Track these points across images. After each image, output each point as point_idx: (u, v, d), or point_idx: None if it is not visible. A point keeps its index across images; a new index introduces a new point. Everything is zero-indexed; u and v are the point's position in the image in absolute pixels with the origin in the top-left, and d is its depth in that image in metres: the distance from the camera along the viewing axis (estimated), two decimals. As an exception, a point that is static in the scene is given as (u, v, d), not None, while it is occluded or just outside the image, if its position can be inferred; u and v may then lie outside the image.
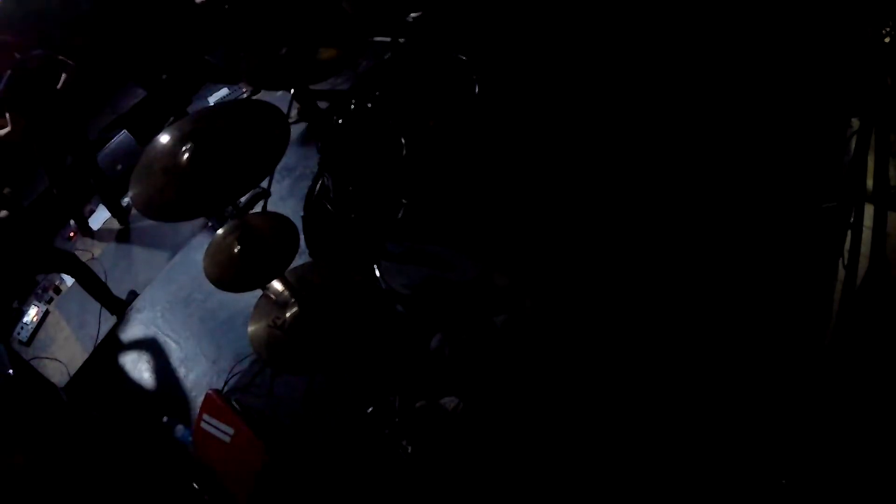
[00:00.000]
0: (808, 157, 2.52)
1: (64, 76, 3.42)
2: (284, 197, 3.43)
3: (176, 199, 1.68)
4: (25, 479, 2.28)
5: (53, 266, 3.58)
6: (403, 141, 2.29)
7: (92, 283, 3.40)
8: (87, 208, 4.46)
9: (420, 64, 2.58)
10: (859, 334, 2.02)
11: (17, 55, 3.30)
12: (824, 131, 2.58)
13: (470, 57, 2.47)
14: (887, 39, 2.06)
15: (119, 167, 4.39)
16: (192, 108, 4.72)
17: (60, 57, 3.44)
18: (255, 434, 2.27)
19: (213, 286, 1.97)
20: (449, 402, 2.15)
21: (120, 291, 3.62)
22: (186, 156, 1.69)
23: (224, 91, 4.76)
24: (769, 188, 2.45)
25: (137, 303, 3.37)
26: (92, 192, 4.44)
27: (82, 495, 2.39)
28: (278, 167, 1.83)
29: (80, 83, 3.52)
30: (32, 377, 2.78)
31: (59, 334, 3.67)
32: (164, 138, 1.80)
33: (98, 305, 3.47)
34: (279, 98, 3.73)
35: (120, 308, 3.44)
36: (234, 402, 2.41)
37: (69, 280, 3.89)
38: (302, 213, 2.60)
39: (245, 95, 4.51)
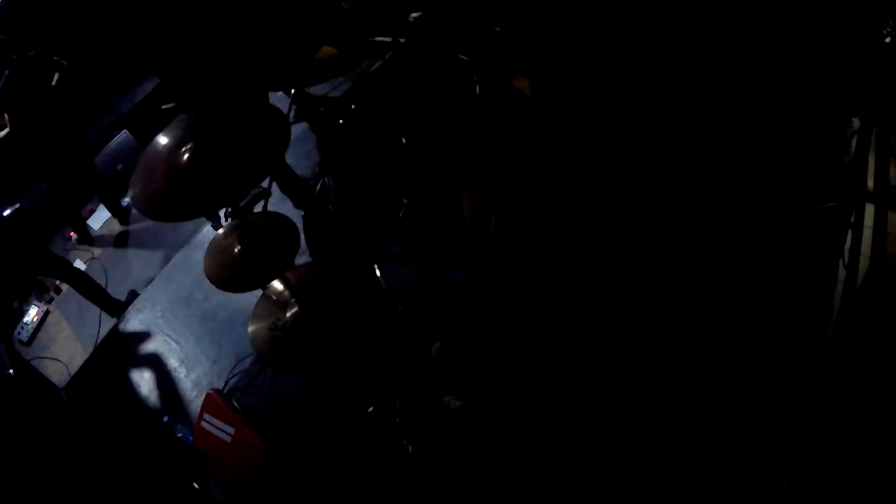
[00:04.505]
0: (808, 157, 2.52)
1: (57, 75, 3.42)
2: (284, 197, 3.43)
3: (176, 199, 1.68)
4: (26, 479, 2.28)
5: (48, 271, 3.57)
6: (403, 141, 2.29)
7: (88, 288, 3.40)
8: (88, 208, 4.47)
9: (421, 64, 2.58)
10: (859, 334, 2.02)
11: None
12: (824, 131, 2.58)
13: (471, 57, 2.47)
14: (887, 39, 2.06)
15: (120, 167, 4.39)
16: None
17: (55, 57, 3.44)
18: (256, 434, 2.27)
19: (213, 286, 1.97)
20: (449, 401, 2.15)
21: (120, 291, 3.62)
22: (186, 156, 1.69)
23: (224, 91, 4.76)
24: (770, 188, 2.45)
25: (138, 303, 3.37)
26: (91, 193, 4.44)
27: (82, 495, 2.39)
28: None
29: (75, 83, 3.52)
30: (33, 377, 2.78)
31: (59, 334, 3.67)
32: (164, 139, 1.80)
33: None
34: (279, 98, 3.73)
35: (118, 310, 3.44)
36: (234, 402, 2.41)
37: (69, 280, 3.89)
38: (302, 213, 2.60)
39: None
